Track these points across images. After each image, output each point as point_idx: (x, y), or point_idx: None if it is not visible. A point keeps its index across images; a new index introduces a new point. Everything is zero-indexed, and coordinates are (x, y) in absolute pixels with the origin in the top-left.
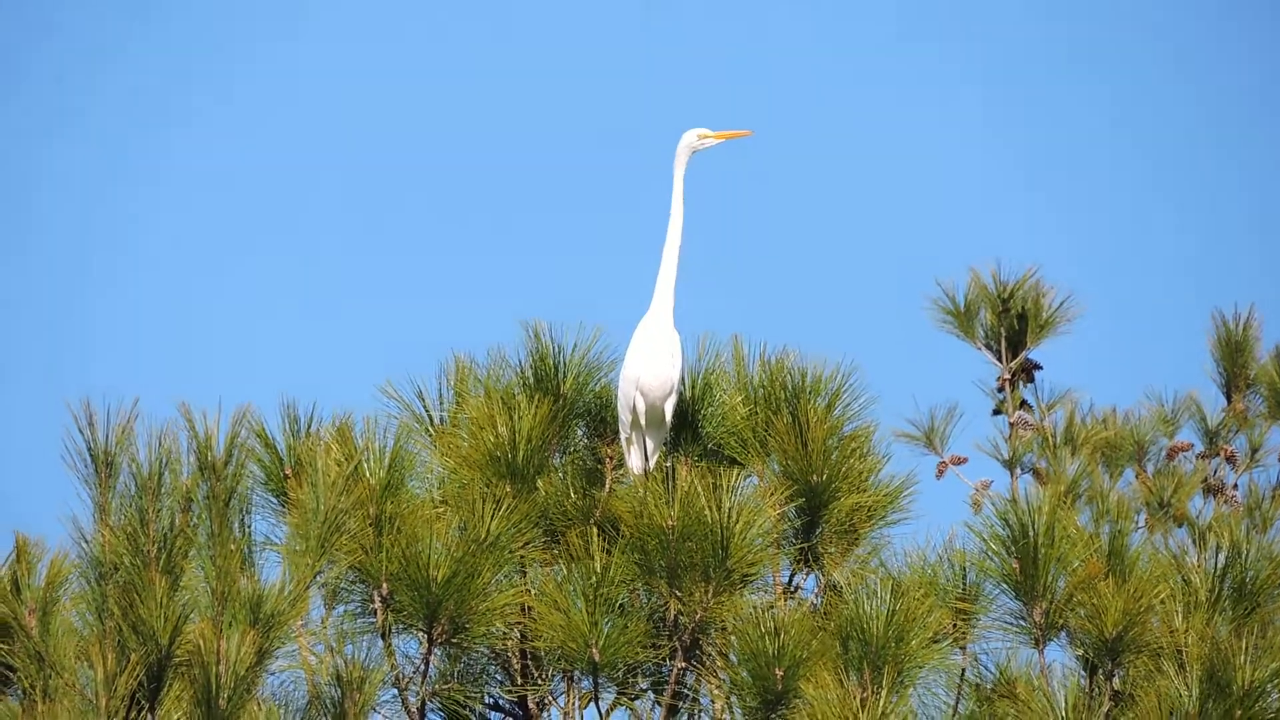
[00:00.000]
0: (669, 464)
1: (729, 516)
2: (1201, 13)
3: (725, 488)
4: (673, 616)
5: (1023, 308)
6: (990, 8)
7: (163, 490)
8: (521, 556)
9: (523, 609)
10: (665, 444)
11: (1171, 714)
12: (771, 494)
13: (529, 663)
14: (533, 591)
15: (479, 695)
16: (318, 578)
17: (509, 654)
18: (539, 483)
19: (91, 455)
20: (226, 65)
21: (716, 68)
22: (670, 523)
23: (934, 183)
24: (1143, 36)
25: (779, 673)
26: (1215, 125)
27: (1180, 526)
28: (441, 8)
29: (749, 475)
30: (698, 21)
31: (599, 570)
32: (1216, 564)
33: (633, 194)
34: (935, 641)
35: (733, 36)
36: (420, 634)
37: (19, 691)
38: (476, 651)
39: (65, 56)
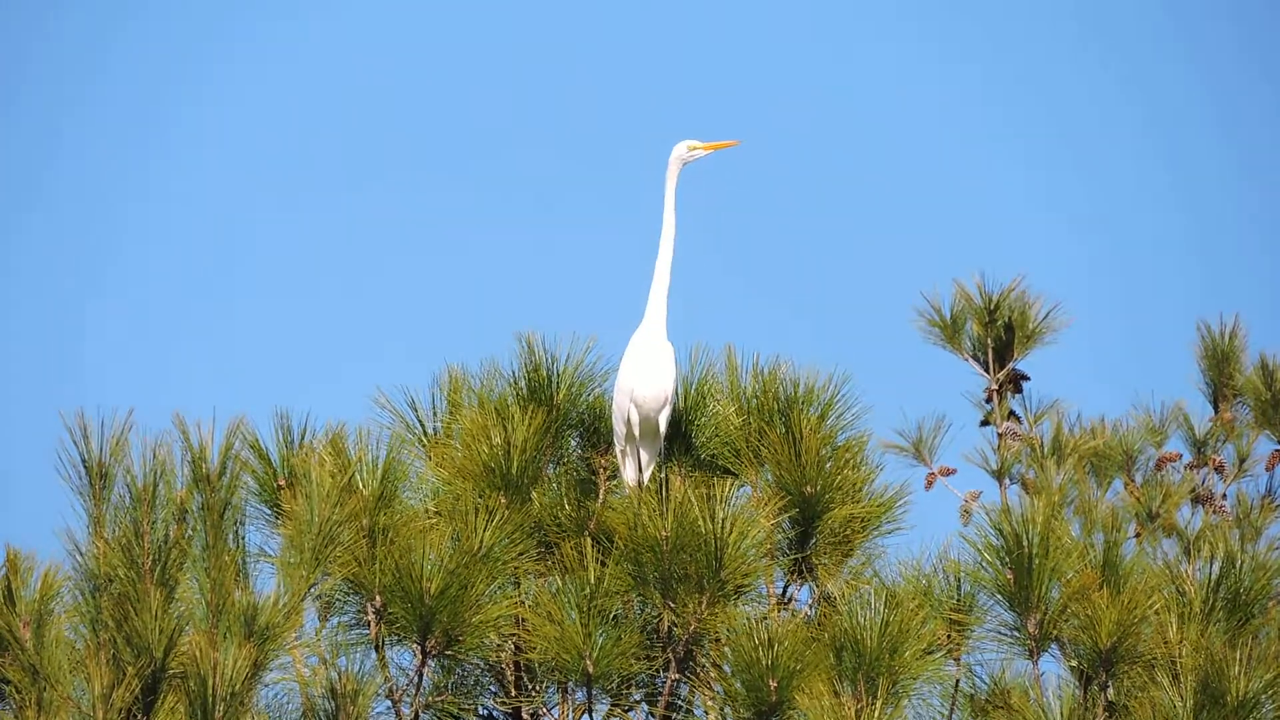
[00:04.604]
0: (663, 475)
1: (723, 527)
2: (1200, 16)
3: (719, 498)
4: (667, 628)
5: (1009, 318)
6: (989, 12)
7: (157, 502)
8: (515, 568)
9: (516, 620)
10: (660, 455)
11: None
12: (765, 505)
13: (523, 674)
14: (526, 603)
15: (473, 707)
16: (312, 589)
17: (503, 665)
18: (533, 494)
19: (86, 467)
20: (201, 78)
21: (709, 73)
22: (664, 534)
23: (924, 191)
24: (1135, 41)
25: (773, 684)
26: (1203, 131)
27: (1169, 537)
28: (431, 14)
29: (742, 486)
30: (693, 24)
31: (593, 581)
32: (1210, 574)
33: (627, 203)
34: (929, 652)
35: (727, 44)
36: (414, 646)
37: (13, 705)
38: (470, 663)
39: (55, 59)
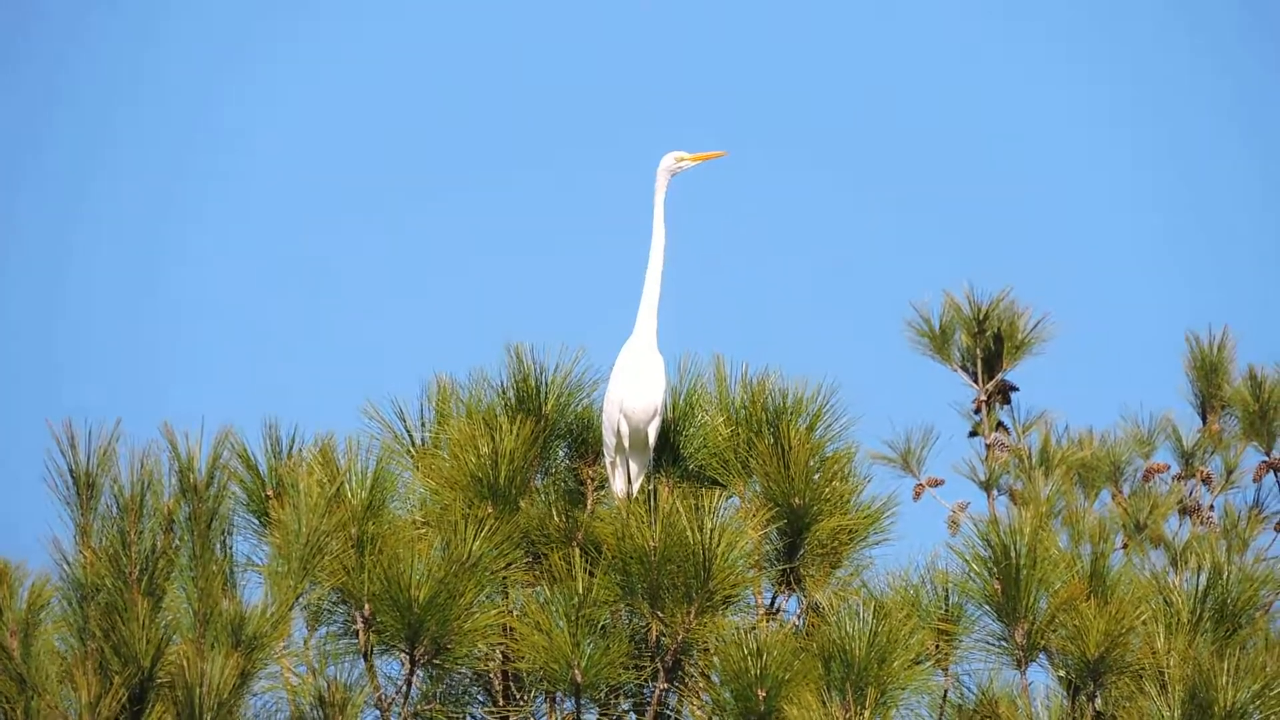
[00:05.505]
0: (651, 486)
1: (711, 538)
2: (1186, 30)
3: (707, 509)
4: (655, 638)
5: (998, 329)
6: (986, 12)
7: (144, 511)
8: (504, 577)
9: (505, 630)
10: (649, 467)
11: None
12: (753, 515)
13: (511, 684)
14: (515, 612)
15: (461, 716)
16: (300, 599)
17: (491, 675)
18: (521, 504)
19: (73, 476)
20: (213, 91)
21: (708, 75)
22: (652, 544)
23: (910, 202)
24: (1126, 47)
25: (761, 694)
26: (1194, 141)
27: (1157, 548)
28: (423, 25)
29: (731, 497)
30: (693, 27)
31: (581, 591)
32: (1198, 585)
33: (617, 213)
34: (917, 663)
35: (725, 45)
36: (402, 655)
37: (1, 714)
38: (458, 672)
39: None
